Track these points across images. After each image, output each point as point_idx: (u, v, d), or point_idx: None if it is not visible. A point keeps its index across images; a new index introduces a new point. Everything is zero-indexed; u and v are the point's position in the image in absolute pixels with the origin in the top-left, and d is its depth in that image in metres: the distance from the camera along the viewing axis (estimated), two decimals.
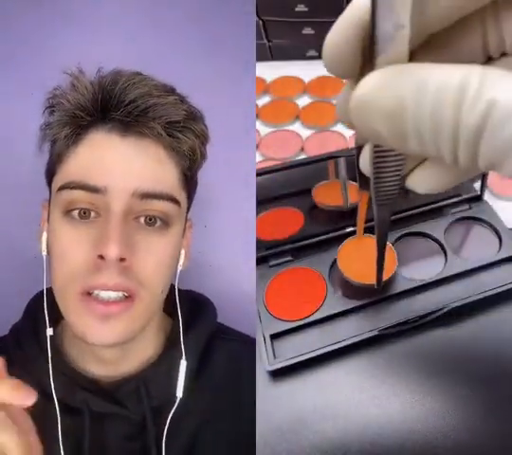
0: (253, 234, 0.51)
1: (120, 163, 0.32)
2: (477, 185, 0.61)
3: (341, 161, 0.53)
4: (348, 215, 0.60)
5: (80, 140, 0.33)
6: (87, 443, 0.34)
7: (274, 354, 0.51)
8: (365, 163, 0.23)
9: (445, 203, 0.61)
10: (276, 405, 0.49)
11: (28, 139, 0.35)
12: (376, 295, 0.54)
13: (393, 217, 0.61)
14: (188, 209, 0.38)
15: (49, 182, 0.35)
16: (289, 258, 0.59)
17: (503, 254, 0.56)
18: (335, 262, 0.58)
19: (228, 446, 0.38)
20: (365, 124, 0.19)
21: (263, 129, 0.80)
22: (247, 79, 0.50)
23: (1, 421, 0.27)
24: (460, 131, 0.17)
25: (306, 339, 0.53)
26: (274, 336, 0.53)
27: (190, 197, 0.37)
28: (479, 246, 0.58)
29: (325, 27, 0.20)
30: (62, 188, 0.32)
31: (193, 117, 0.35)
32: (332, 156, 0.52)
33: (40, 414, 0.29)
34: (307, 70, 0.86)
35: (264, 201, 0.55)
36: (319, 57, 0.25)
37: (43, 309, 0.35)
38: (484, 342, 0.51)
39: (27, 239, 0.37)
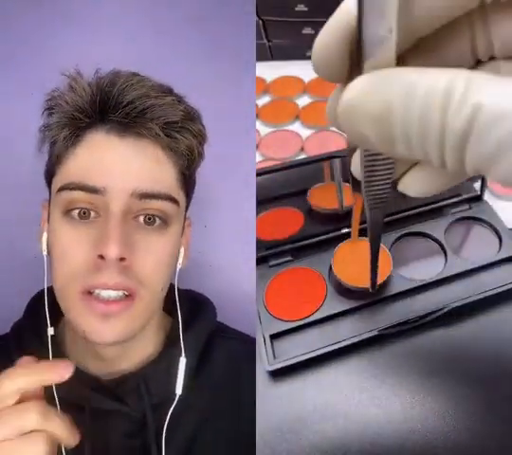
0: (253, 234, 0.51)
1: (119, 164, 0.32)
2: (477, 185, 0.61)
3: (336, 163, 0.53)
4: (348, 215, 0.60)
5: (78, 141, 0.33)
6: (88, 440, 0.34)
7: (274, 355, 0.52)
8: (356, 166, 0.23)
9: (445, 203, 0.61)
10: (276, 405, 0.49)
11: (29, 139, 0.35)
12: (376, 295, 0.54)
13: (393, 217, 0.61)
14: (186, 207, 0.38)
15: (49, 183, 0.36)
16: (289, 258, 0.59)
17: (503, 254, 0.56)
18: None
19: (228, 446, 0.38)
20: (353, 129, 0.19)
21: (263, 129, 0.80)
22: (247, 79, 0.50)
23: (46, 409, 0.29)
24: (446, 135, 0.17)
25: (306, 339, 0.53)
26: (274, 337, 0.53)
27: (188, 196, 0.38)
28: (479, 246, 0.58)
29: None
30: (61, 188, 0.33)
31: (191, 117, 0.35)
32: (332, 156, 0.52)
33: None
34: (307, 70, 0.84)
35: (264, 201, 0.55)
36: None
37: (44, 308, 0.35)
38: (485, 342, 0.51)
39: (28, 239, 0.37)
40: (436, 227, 0.60)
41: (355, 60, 0.19)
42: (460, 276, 0.55)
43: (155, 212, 0.34)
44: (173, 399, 0.36)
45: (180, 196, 0.35)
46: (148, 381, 0.36)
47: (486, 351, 0.50)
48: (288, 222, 0.62)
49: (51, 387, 0.34)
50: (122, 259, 0.31)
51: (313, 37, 0.20)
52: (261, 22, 0.84)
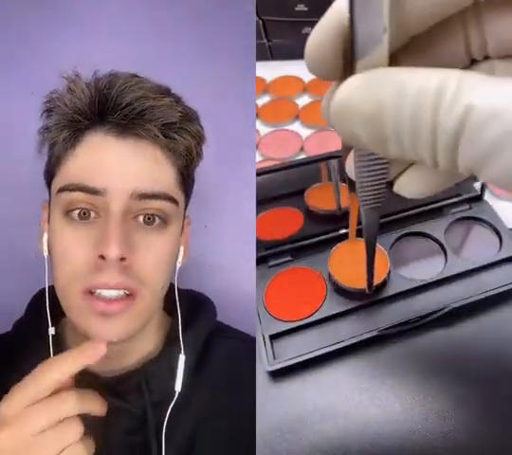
0: (253, 234, 0.51)
1: (118, 164, 0.32)
2: (477, 185, 0.61)
3: (333, 163, 0.53)
4: (346, 216, 0.60)
5: (78, 143, 0.33)
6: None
7: (274, 355, 0.51)
8: (351, 167, 0.23)
9: (445, 203, 0.61)
10: (276, 405, 0.49)
11: (29, 140, 0.35)
12: (377, 295, 0.54)
13: (393, 217, 0.61)
14: (185, 206, 0.38)
15: (48, 184, 0.36)
16: (289, 258, 0.59)
17: (504, 254, 0.56)
18: None
19: (228, 446, 0.38)
20: (345, 129, 0.19)
21: (262, 129, 0.80)
22: (247, 79, 0.50)
23: (81, 394, 0.31)
24: (438, 135, 0.17)
25: (306, 340, 0.53)
26: (274, 337, 0.53)
27: (187, 195, 0.38)
28: (479, 247, 0.58)
29: None
30: (61, 190, 0.33)
31: (189, 117, 0.35)
32: (332, 156, 0.52)
33: None
34: (307, 70, 0.85)
35: (263, 201, 0.55)
36: None
37: (45, 307, 0.36)
38: (485, 342, 0.51)
39: (28, 238, 0.37)
40: (436, 227, 0.60)
41: (348, 58, 0.19)
42: (460, 276, 0.55)
43: (155, 212, 0.34)
44: (174, 396, 0.36)
45: (179, 196, 0.36)
46: (149, 378, 0.36)
47: (487, 351, 0.50)
48: (288, 222, 0.62)
49: None
50: (123, 259, 0.32)
51: None
52: (261, 22, 0.84)
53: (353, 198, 0.35)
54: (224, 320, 0.43)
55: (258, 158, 0.75)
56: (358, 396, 0.49)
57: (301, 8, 0.80)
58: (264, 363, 0.50)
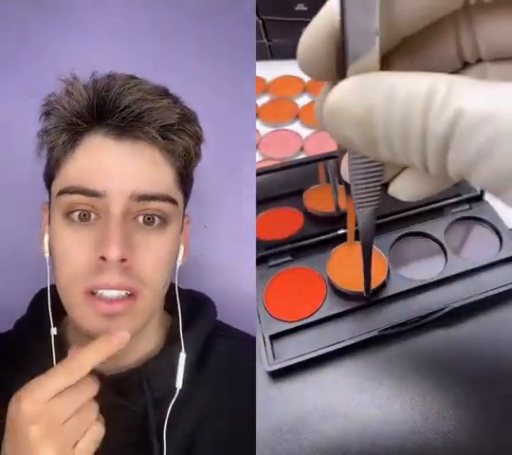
0: (253, 234, 0.51)
1: (118, 167, 0.33)
2: None
3: (331, 164, 0.53)
4: (345, 217, 0.60)
5: (77, 145, 0.34)
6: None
7: (274, 355, 0.51)
8: (346, 169, 0.23)
9: (445, 203, 0.61)
10: (276, 405, 0.49)
11: (29, 140, 0.35)
12: (377, 295, 0.54)
13: (393, 217, 0.61)
14: (185, 206, 0.38)
15: (48, 186, 0.36)
16: (289, 258, 0.59)
17: (504, 254, 0.56)
18: None
19: (228, 445, 0.38)
20: (338, 131, 0.19)
21: (262, 128, 0.80)
22: (247, 79, 0.50)
23: (95, 380, 0.32)
24: (427, 139, 0.17)
25: (306, 340, 0.53)
26: (274, 337, 0.53)
27: (186, 195, 0.38)
28: (479, 247, 0.58)
29: None
30: (61, 192, 0.33)
31: (187, 118, 0.35)
32: (331, 156, 0.52)
33: None
34: None
35: (263, 201, 0.55)
36: None
37: (47, 307, 0.36)
38: (485, 342, 0.51)
39: (28, 238, 0.38)
40: (436, 227, 0.60)
41: (340, 59, 0.19)
42: (460, 276, 0.55)
43: (154, 212, 0.34)
44: (175, 394, 0.37)
45: (178, 196, 0.36)
46: (150, 376, 0.37)
47: (487, 351, 0.50)
48: (288, 222, 0.62)
49: None
50: (123, 260, 0.32)
51: None
52: (261, 22, 0.84)
53: (349, 201, 0.35)
54: (224, 320, 0.43)
55: (258, 158, 0.75)
56: (358, 396, 0.49)
57: (300, 7, 0.80)
58: (264, 363, 0.50)
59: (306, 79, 0.86)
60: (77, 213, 0.33)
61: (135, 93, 0.33)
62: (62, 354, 0.36)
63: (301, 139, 0.77)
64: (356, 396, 0.49)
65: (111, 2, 0.48)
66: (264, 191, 0.51)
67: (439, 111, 0.16)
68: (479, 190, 0.61)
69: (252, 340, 0.44)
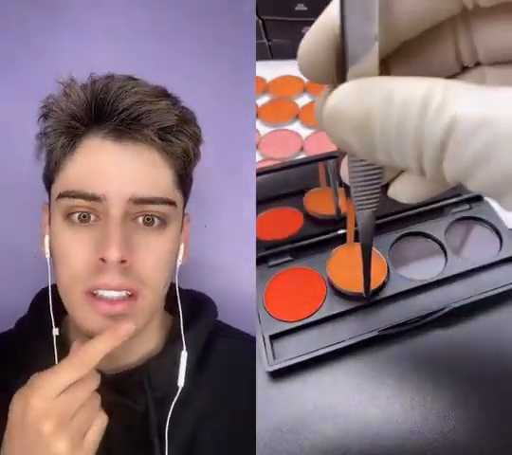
0: (253, 234, 0.51)
1: (116, 170, 0.33)
2: None
3: (331, 164, 0.53)
4: (345, 219, 0.60)
5: (75, 148, 0.34)
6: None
7: (274, 355, 0.51)
8: (345, 171, 0.23)
9: (445, 203, 0.61)
10: (276, 405, 0.49)
11: (29, 140, 0.35)
12: (377, 295, 0.54)
13: (393, 217, 0.61)
14: (184, 206, 0.39)
15: (48, 188, 0.36)
16: (289, 258, 0.59)
17: (504, 254, 0.56)
18: None
19: (228, 445, 0.38)
20: (337, 135, 0.19)
21: (262, 128, 0.80)
22: (247, 78, 0.50)
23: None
24: (424, 145, 0.17)
25: (306, 340, 0.53)
26: (273, 337, 0.53)
27: (185, 195, 0.38)
28: (479, 247, 0.58)
29: None
30: (61, 196, 0.33)
31: (186, 120, 0.35)
32: (332, 156, 0.52)
33: None
34: None
35: (263, 201, 0.55)
36: None
37: (48, 308, 0.36)
38: (485, 342, 0.51)
39: (29, 238, 0.38)
40: (436, 227, 0.60)
41: (340, 63, 0.19)
42: (460, 276, 0.55)
43: (154, 213, 0.34)
44: (175, 393, 0.37)
45: (177, 197, 0.36)
46: (151, 375, 0.37)
47: (487, 351, 0.50)
48: (288, 222, 0.62)
49: None
50: (123, 261, 0.32)
51: None
52: (261, 22, 0.84)
53: (349, 203, 0.35)
54: (224, 320, 0.43)
55: (258, 158, 0.75)
56: (358, 396, 0.49)
57: (300, 7, 0.80)
58: (264, 363, 0.50)
59: (306, 79, 0.86)
60: (76, 215, 0.33)
61: (133, 95, 0.33)
62: (63, 354, 0.36)
63: (301, 139, 0.77)
64: (356, 396, 0.49)
65: (111, 2, 0.48)
66: (264, 191, 0.51)
67: (435, 116, 0.16)
68: None
69: (252, 340, 0.44)
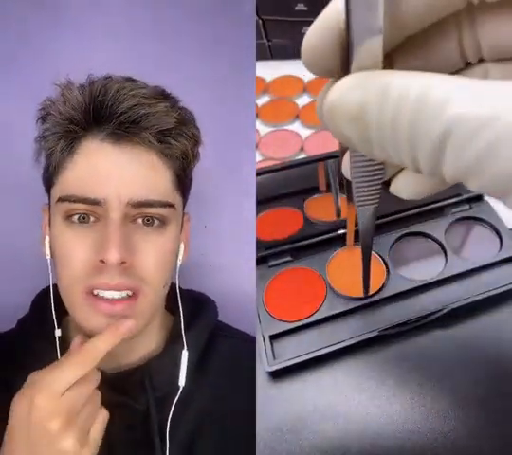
0: (253, 234, 0.51)
1: (115, 173, 0.33)
2: None
3: (331, 164, 0.53)
4: (345, 221, 0.60)
5: (74, 151, 0.34)
6: None
7: (274, 355, 0.51)
8: (347, 167, 0.23)
9: (445, 203, 0.61)
10: (276, 405, 0.49)
11: (29, 140, 0.35)
12: (376, 295, 0.54)
13: (393, 217, 0.60)
14: (184, 206, 0.39)
15: (48, 190, 0.36)
16: (289, 258, 0.59)
17: (504, 254, 0.56)
18: None
19: (228, 445, 0.38)
20: (336, 128, 0.19)
21: (262, 128, 0.80)
22: (247, 78, 0.50)
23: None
24: (419, 141, 0.16)
25: (306, 340, 0.53)
26: (274, 337, 0.53)
27: (185, 196, 0.38)
28: (479, 247, 0.58)
29: None
30: (61, 199, 0.33)
31: (184, 121, 0.35)
32: (332, 156, 0.52)
33: None
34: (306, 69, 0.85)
35: (263, 201, 0.55)
36: None
37: (49, 308, 0.36)
38: (485, 343, 0.51)
39: (29, 238, 0.38)
40: (436, 227, 0.60)
41: (344, 58, 0.19)
42: (460, 276, 0.55)
43: (153, 215, 0.34)
44: (176, 393, 0.37)
45: (176, 198, 0.36)
46: (152, 375, 0.37)
47: (487, 351, 0.50)
48: (288, 222, 0.62)
49: None
50: (123, 262, 0.32)
51: None
52: (261, 22, 0.84)
53: (351, 207, 0.35)
54: (224, 320, 0.43)
55: (258, 158, 0.75)
56: (358, 396, 0.49)
57: (300, 7, 0.80)
58: (264, 363, 0.50)
59: (306, 79, 0.86)
60: (76, 216, 0.33)
61: (131, 98, 0.32)
62: (64, 350, 0.36)
63: (301, 139, 0.77)
64: (356, 396, 0.49)
65: (111, 2, 0.48)
66: (264, 191, 0.51)
67: (433, 114, 0.15)
68: None
69: (252, 340, 0.44)
